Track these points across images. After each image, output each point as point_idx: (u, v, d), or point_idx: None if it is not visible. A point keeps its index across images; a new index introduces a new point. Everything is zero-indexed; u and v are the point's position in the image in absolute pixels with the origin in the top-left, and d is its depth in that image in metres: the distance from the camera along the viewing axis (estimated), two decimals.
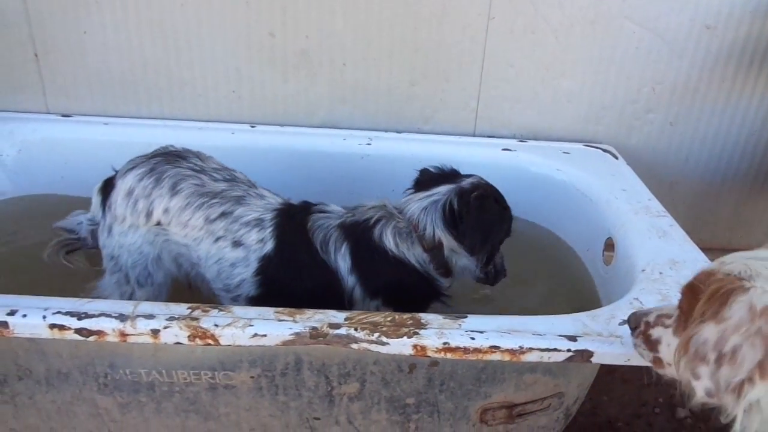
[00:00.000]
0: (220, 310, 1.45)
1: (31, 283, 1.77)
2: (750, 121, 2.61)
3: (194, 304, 1.47)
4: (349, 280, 1.75)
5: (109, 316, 1.40)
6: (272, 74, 2.50)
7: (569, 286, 2.20)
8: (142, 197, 1.77)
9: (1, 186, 2.45)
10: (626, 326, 1.35)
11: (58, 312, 1.40)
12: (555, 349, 1.38)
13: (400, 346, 1.39)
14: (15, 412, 1.65)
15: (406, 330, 1.40)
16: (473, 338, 1.39)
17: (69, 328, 1.38)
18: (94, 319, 1.39)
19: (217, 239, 1.76)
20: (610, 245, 2.03)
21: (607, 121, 2.62)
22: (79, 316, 1.40)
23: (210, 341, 1.39)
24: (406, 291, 1.79)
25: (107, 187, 1.86)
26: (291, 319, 1.43)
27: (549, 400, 1.64)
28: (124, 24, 2.39)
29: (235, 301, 1.80)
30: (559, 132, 2.63)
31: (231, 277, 1.78)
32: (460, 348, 1.38)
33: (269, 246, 1.76)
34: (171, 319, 1.41)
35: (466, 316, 1.47)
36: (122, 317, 1.40)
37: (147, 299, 1.81)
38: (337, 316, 1.45)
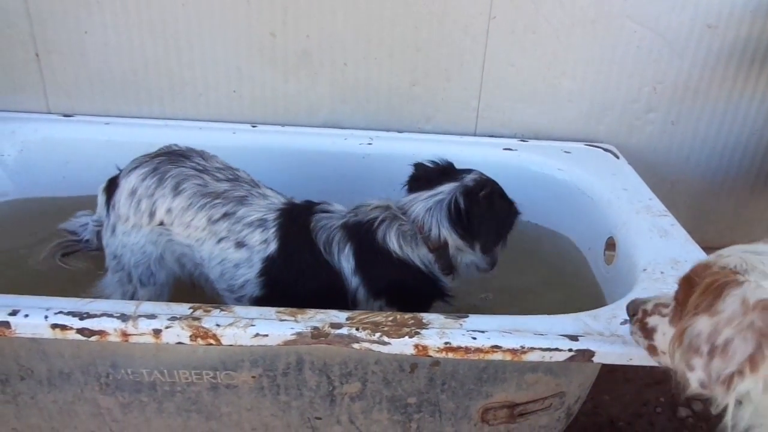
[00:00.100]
0: (222, 310, 1.45)
1: (33, 284, 1.77)
2: (751, 121, 2.61)
3: (196, 304, 1.47)
4: (353, 281, 1.75)
5: (110, 316, 1.40)
6: (273, 74, 2.50)
7: (570, 285, 2.20)
8: (145, 197, 1.77)
9: (3, 186, 2.44)
10: (627, 326, 1.35)
11: (60, 312, 1.40)
12: (556, 349, 1.38)
13: (402, 346, 1.39)
14: (17, 411, 1.65)
15: (407, 330, 1.41)
16: (475, 338, 1.39)
17: (71, 328, 1.39)
18: (95, 319, 1.39)
19: (220, 240, 1.76)
20: (611, 245, 2.03)
21: (609, 120, 2.61)
22: (81, 316, 1.40)
23: (212, 341, 1.39)
24: (410, 291, 1.79)
25: (112, 186, 1.86)
26: (292, 318, 1.43)
27: (550, 399, 1.64)
28: (125, 24, 2.39)
29: (239, 301, 1.80)
30: (560, 131, 2.63)
31: (235, 278, 1.78)
32: (461, 348, 1.38)
33: (272, 247, 1.76)
34: (173, 319, 1.41)
35: (467, 316, 1.47)
36: (124, 317, 1.40)
37: (149, 298, 1.81)
38: (339, 315, 1.45)
